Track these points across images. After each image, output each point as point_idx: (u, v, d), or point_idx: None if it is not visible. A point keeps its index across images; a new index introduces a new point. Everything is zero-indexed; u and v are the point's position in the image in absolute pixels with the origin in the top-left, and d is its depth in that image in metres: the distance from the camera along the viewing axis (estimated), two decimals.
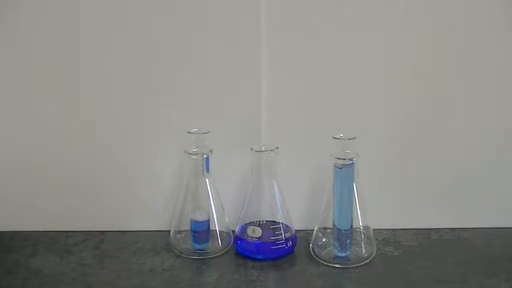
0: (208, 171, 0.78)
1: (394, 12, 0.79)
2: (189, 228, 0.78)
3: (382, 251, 0.78)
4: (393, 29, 0.79)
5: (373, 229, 0.77)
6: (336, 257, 0.75)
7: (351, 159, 0.73)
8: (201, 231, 0.78)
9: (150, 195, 0.84)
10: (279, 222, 0.77)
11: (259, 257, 0.76)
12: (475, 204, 0.85)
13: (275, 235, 0.76)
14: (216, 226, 0.79)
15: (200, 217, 0.78)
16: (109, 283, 0.71)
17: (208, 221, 0.78)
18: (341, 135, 0.74)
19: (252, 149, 0.76)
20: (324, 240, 0.77)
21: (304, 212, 0.83)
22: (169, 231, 0.80)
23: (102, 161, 0.83)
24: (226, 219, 0.80)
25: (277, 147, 0.76)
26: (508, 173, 0.84)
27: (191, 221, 0.78)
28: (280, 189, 0.77)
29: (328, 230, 0.77)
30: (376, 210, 0.78)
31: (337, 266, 0.74)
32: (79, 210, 0.85)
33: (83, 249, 0.80)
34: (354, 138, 0.73)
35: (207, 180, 0.78)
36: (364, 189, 0.75)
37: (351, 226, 0.75)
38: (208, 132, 0.77)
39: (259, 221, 0.77)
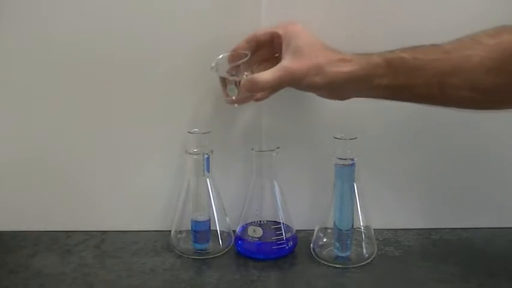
0: (209, 171, 0.78)
1: (399, 9, 0.79)
2: (190, 228, 0.78)
3: (383, 251, 0.78)
4: (395, 28, 0.79)
5: (373, 229, 0.77)
6: (337, 257, 0.75)
7: (351, 159, 0.73)
8: (202, 231, 0.78)
9: (150, 195, 0.84)
10: (280, 222, 0.77)
11: (260, 257, 0.76)
12: (475, 204, 0.85)
13: (276, 235, 0.76)
14: (216, 226, 0.79)
15: (201, 217, 0.78)
16: (110, 283, 0.71)
17: (209, 221, 0.78)
18: (342, 135, 0.74)
19: (252, 149, 0.76)
20: (324, 240, 0.77)
21: (305, 212, 0.83)
22: (170, 231, 0.80)
23: (102, 161, 0.83)
24: (227, 219, 0.80)
25: (278, 147, 0.76)
26: (508, 173, 0.84)
27: (192, 221, 0.78)
28: (281, 189, 0.77)
29: (329, 230, 0.77)
30: (376, 210, 0.78)
31: (338, 266, 0.74)
32: (79, 210, 0.85)
33: (83, 249, 0.80)
34: (355, 138, 0.73)
35: (207, 180, 0.78)
36: (364, 189, 0.75)
37: (352, 226, 0.75)
38: (209, 132, 0.77)
39: (260, 221, 0.77)
